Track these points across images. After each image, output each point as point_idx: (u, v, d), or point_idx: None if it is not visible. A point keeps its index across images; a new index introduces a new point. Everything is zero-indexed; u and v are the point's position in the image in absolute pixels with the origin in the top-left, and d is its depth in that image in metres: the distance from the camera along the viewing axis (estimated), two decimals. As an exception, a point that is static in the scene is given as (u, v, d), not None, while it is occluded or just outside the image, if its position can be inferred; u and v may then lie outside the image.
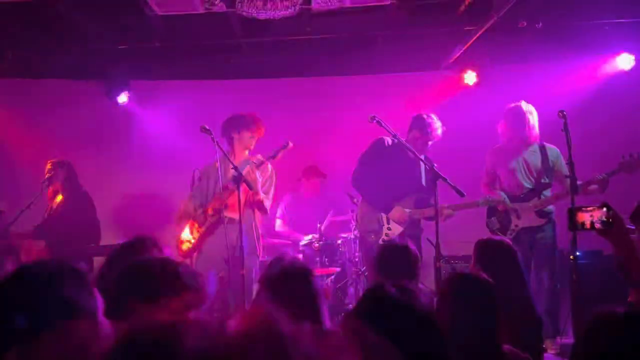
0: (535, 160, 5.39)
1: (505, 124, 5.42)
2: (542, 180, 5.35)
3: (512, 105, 5.40)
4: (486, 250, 3.43)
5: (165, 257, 1.91)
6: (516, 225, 5.29)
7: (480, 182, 5.62)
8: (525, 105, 5.34)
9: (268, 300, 2.60)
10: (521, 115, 5.30)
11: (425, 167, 5.09)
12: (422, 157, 5.07)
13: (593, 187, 5.01)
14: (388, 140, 5.20)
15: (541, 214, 5.30)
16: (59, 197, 5.88)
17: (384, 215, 5.18)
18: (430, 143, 5.19)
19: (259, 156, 5.09)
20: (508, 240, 3.71)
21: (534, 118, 5.32)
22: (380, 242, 5.08)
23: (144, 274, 1.84)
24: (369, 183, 5.22)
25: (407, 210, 5.14)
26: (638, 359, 1.62)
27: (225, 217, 4.87)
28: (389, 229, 5.15)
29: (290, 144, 5.09)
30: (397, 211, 5.14)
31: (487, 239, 3.66)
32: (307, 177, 6.90)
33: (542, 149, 5.39)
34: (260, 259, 5.30)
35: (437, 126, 5.17)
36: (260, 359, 0.71)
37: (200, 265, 4.96)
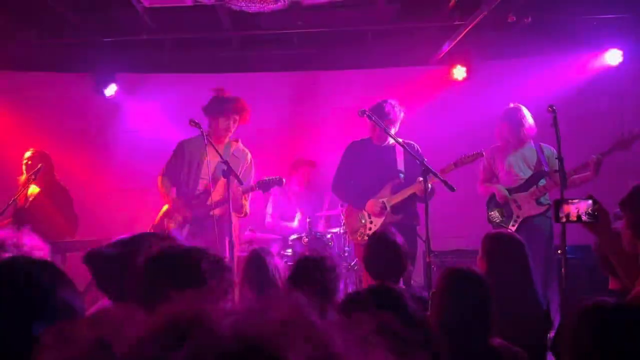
0: (532, 155, 5.45)
1: (503, 125, 5.47)
2: (541, 168, 5.38)
3: (510, 106, 5.47)
4: (494, 244, 3.41)
5: (192, 247, 1.91)
6: (518, 216, 5.33)
7: (474, 171, 5.59)
8: (521, 107, 5.42)
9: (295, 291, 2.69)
10: (519, 117, 5.37)
11: (405, 152, 5.05)
12: (403, 145, 5.02)
13: (584, 174, 5.03)
14: (358, 139, 5.33)
15: (540, 202, 5.34)
16: (34, 189, 5.82)
17: (364, 213, 5.22)
18: (395, 125, 5.14)
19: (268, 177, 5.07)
20: (516, 235, 3.69)
21: (530, 119, 5.39)
22: (366, 237, 5.09)
23: (179, 260, 1.84)
24: (345, 186, 5.33)
25: (384, 199, 5.15)
26: (624, 351, 1.64)
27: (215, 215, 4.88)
28: (371, 222, 5.19)
29: (284, 182, 5.13)
30: (370, 203, 5.18)
31: (496, 232, 3.64)
32: (296, 169, 6.89)
33: (538, 147, 5.47)
34: (238, 254, 5.29)
35: (398, 109, 5.12)
36: (300, 345, 0.71)
37: None
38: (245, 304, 0.79)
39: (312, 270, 2.98)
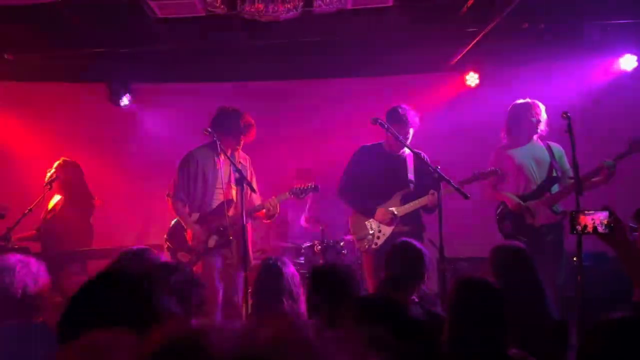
0: (543, 154, 5.25)
1: (510, 120, 5.30)
2: (553, 174, 5.20)
3: (518, 101, 5.31)
4: (500, 257, 3.38)
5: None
6: (532, 225, 5.10)
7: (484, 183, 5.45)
8: (531, 101, 5.25)
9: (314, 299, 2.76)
10: (539, 112, 5.20)
11: (415, 161, 5.05)
12: (410, 154, 5.03)
13: (596, 179, 4.88)
14: (368, 145, 5.26)
15: (554, 210, 5.12)
16: (57, 198, 5.88)
17: (372, 221, 5.15)
18: (411, 132, 5.11)
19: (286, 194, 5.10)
20: (523, 246, 3.63)
21: (541, 113, 5.22)
22: (374, 246, 5.07)
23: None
24: (352, 192, 5.24)
25: (392, 208, 5.11)
26: None
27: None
28: (379, 231, 5.13)
29: (319, 189, 5.12)
30: (380, 212, 5.11)
31: (502, 245, 3.60)
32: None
33: (548, 147, 5.29)
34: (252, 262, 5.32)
35: (413, 114, 5.10)
36: None
37: (206, 269, 4.95)
38: (241, 323, 0.78)
39: (332, 279, 2.98)
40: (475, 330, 2.40)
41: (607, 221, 2.60)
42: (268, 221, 5.28)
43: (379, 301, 2.16)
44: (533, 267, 3.35)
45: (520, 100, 5.31)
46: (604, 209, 2.65)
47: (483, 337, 2.39)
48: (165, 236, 5.13)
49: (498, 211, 5.32)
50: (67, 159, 5.95)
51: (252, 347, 0.71)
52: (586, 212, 2.70)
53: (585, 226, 2.69)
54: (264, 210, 5.04)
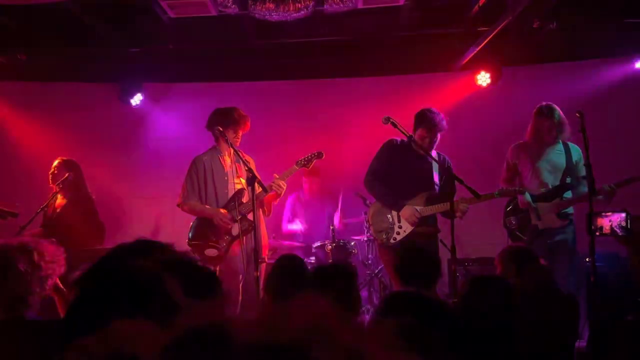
0: (560, 160, 5.24)
1: (541, 122, 5.21)
2: (567, 180, 5.20)
3: (544, 104, 5.24)
4: (510, 259, 3.37)
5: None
6: (535, 226, 5.13)
7: (498, 178, 5.46)
8: (555, 106, 5.20)
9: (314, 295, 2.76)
10: (563, 116, 5.16)
11: (439, 165, 5.06)
12: (436, 156, 5.06)
13: (599, 197, 4.75)
14: (397, 140, 5.19)
15: (562, 215, 5.13)
16: (61, 198, 5.87)
17: (394, 214, 5.13)
18: (438, 136, 5.12)
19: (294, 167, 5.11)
20: (533, 250, 3.62)
21: (563, 118, 5.18)
22: (392, 241, 5.05)
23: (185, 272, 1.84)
24: (379, 183, 5.19)
25: (418, 208, 5.10)
26: None
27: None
28: (399, 227, 5.11)
29: (323, 155, 5.12)
30: (407, 210, 5.08)
31: (513, 247, 3.59)
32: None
33: (566, 147, 5.26)
34: (267, 261, 5.32)
35: (441, 118, 5.11)
36: (317, 351, 0.70)
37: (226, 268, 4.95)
38: (266, 313, 0.78)
39: (331, 277, 2.99)
40: (483, 325, 2.39)
41: (625, 223, 2.57)
42: (276, 202, 5.26)
43: (405, 294, 2.15)
44: (542, 269, 3.33)
45: (545, 104, 5.24)
46: (621, 210, 2.63)
47: (491, 333, 2.39)
48: (188, 239, 5.09)
49: (509, 208, 5.36)
50: (66, 158, 5.94)
51: (276, 336, 0.71)
52: (603, 213, 2.67)
53: (602, 227, 2.66)
54: (273, 193, 5.04)
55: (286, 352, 0.68)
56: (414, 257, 3.57)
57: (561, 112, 5.18)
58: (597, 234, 2.64)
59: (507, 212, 5.35)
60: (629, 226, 2.53)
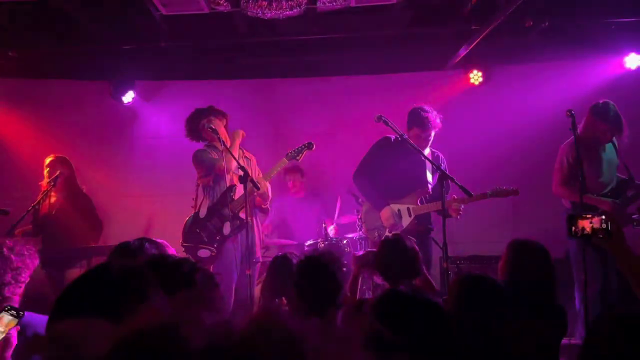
0: (614, 157, 5.14)
1: (595, 120, 5.00)
2: (628, 176, 5.11)
3: (603, 101, 5.06)
4: (521, 252, 3.35)
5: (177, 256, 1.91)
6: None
7: (553, 181, 5.18)
8: (612, 105, 5.03)
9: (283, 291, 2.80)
10: (614, 113, 4.99)
11: (432, 164, 5.07)
12: (430, 154, 5.06)
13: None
14: (392, 137, 5.17)
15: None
16: (53, 195, 5.83)
17: (394, 206, 5.13)
18: (432, 135, 5.13)
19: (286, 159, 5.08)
20: (543, 245, 3.59)
21: (621, 118, 5.03)
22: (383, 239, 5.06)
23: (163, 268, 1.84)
24: (369, 179, 5.18)
25: (410, 206, 5.10)
26: None
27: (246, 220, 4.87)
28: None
29: (314, 146, 5.08)
30: (386, 211, 5.07)
31: (524, 240, 3.58)
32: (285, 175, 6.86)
33: (614, 145, 5.15)
34: (261, 259, 5.31)
35: (434, 115, 5.10)
36: (269, 355, 0.70)
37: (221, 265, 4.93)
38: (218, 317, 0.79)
39: (317, 268, 2.99)
40: (475, 325, 2.40)
41: (605, 225, 2.57)
42: (266, 205, 5.23)
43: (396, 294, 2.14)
44: (551, 267, 3.30)
45: (604, 101, 5.07)
46: (601, 212, 2.63)
47: (483, 331, 2.39)
48: (181, 240, 5.07)
49: (575, 210, 4.92)
50: (59, 155, 5.91)
51: (226, 339, 0.71)
52: (584, 215, 2.67)
53: (583, 229, 2.65)
54: (258, 198, 5.02)
55: (232, 355, 0.68)
56: (390, 252, 3.58)
57: (618, 111, 4.99)
58: (578, 235, 2.63)
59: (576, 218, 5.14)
60: (609, 227, 2.52)
